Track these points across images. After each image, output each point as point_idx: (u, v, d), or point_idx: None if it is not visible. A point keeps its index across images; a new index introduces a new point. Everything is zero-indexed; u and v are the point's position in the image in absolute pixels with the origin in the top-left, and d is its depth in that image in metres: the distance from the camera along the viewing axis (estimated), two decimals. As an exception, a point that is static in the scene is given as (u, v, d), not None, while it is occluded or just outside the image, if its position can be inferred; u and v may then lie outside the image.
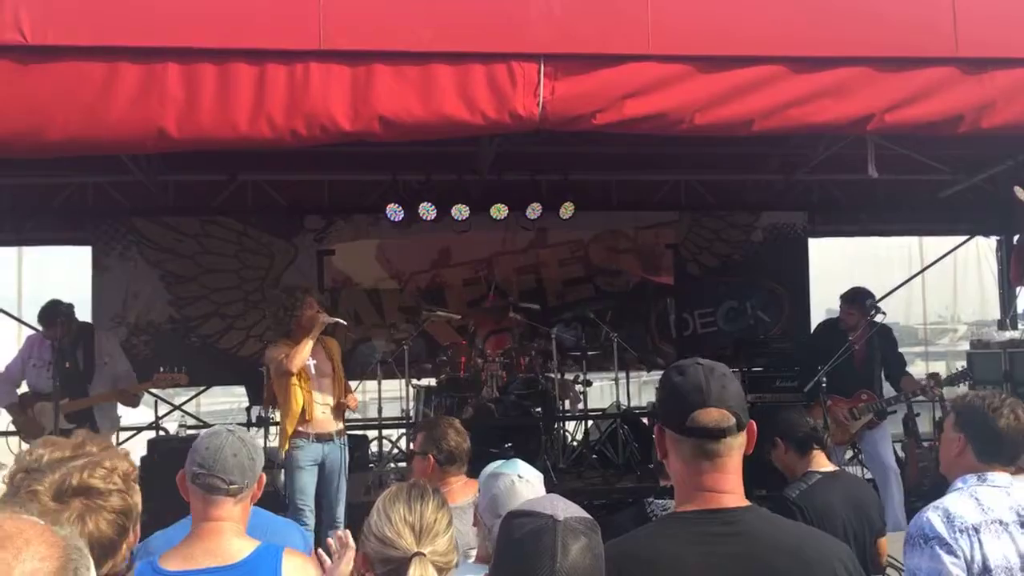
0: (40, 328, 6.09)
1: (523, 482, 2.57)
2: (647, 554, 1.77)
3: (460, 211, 8.16)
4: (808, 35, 4.23)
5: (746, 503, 1.83)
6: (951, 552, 2.40)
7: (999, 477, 2.56)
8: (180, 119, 3.77)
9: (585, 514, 1.61)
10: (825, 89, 4.21)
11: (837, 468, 3.94)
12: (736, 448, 1.82)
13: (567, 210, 8.22)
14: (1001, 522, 2.45)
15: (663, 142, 6.64)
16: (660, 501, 3.00)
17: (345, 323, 5.48)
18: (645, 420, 8.30)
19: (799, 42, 4.22)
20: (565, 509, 1.58)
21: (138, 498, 1.67)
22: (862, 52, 4.27)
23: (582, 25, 4.06)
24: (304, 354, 5.40)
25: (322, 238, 8.88)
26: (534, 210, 8.23)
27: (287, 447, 5.48)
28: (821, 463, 3.77)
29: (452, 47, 3.97)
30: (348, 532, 2.52)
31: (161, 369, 6.10)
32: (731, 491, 1.81)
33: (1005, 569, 2.40)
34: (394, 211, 8.04)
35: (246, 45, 3.84)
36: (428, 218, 8.12)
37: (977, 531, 2.42)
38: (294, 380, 5.43)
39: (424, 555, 1.89)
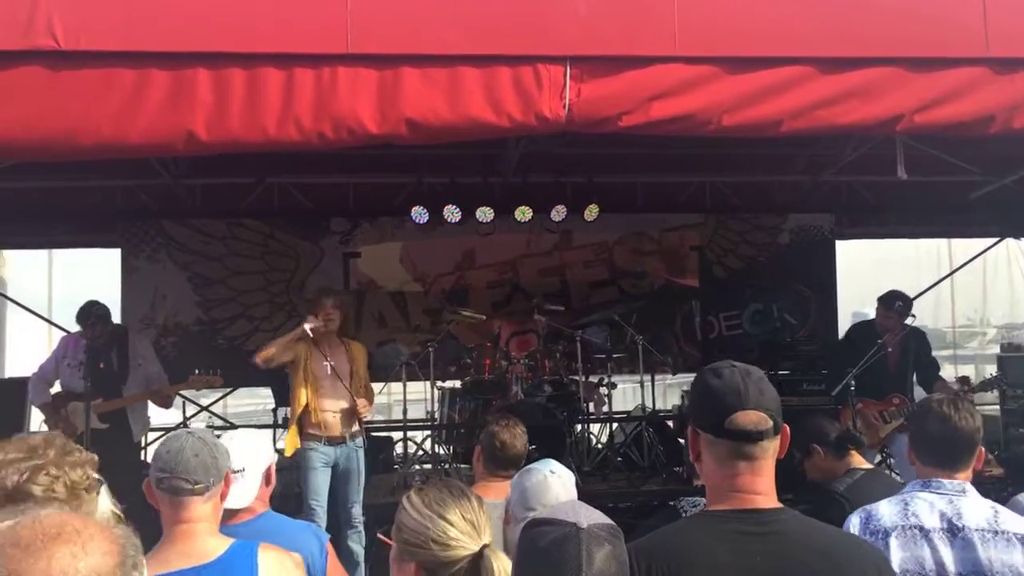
0: (77, 328, 6.17)
1: (555, 477, 2.58)
2: (678, 549, 1.76)
3: (484, 213, 8.17)
4: (837, 35, 4.19)
5: (779, 505, 1.83)
6: None
7: (950, 484, 2.46)
8: (209, 123, 3.81)
9: (608, 520, 1.59)
10: (854, 89, 4.17)
11: (874, 467, 3.92)
12: (771, 451, 1.82)
13: (592, 212, 8.20)
14: (921, 528, 2.37)
15: (688, 144, 6.63)
16: (690, 499, 3.00)
17: (310, 327, 5.44)
18: (670, 423, 8.27)
19: (828, 42, 4.18)
20: (588, 516, 1.56)
21: (90, 508, 1.64)
22: (891, 52, 4.23)
23: (608, 26, 4.06)
24: (268, 351, 5.45)
25: (347, 240, 8.92)
26: (559, 212, 8.22)
27: (298, 447, 5.48)
28: (860, 461, 3.77)
29: (479, 50, 3.98)
30: None
31: (197, 371, 6.15)
32: (765, 493, 1.81)
33: (917, 575, 2.33)
34: (419, 213, 8.07)
35: (274, 50, 3.87)
36: (453, 220, 8.14)
37: (888, 535, 2.37)
38: (301, 382, 5.45)
39: (489, 545, 1.89)
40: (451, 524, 1.88)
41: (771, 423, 1.79)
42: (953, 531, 2.36)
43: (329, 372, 5.44)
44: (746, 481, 1.80)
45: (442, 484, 2.03)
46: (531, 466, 2.66)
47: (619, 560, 1.54)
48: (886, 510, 2.44)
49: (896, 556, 2.34)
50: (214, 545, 2.33)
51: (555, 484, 2.54)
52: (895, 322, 6.25)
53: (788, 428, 1.85)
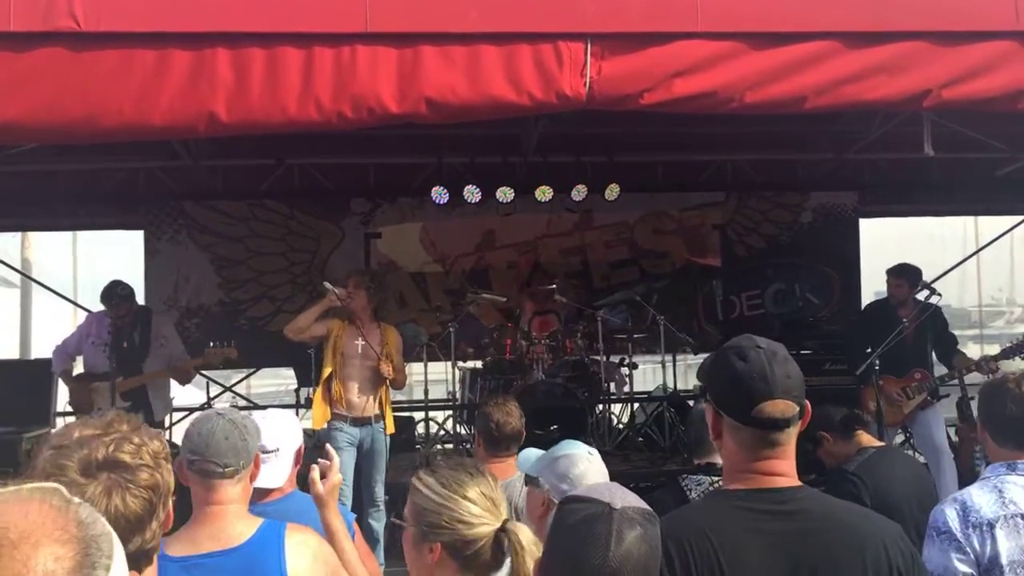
0: (102, 308, 6.25)
1: (592, 458, 2.55)
2: (700, 530, 1.74)
3: (505, 194, 8.14)
4: (863, 9, 4.12)
5: (799, 483, 1.82)
6: (959, 549, 2.34)
7: None
8: (230, 103, 3.80)
9: (644, 505, 1.58)
10: (880, 65, 4.10)
11: (884, 444, 3.91)
12: (795, 433, 1.80)
13: (612, 192, 8.15)
14: (1023, 516, 2.34)
15: (710, 121, 6.55)
16: (694, 477, 3.01)
17: (334, 291, 5.48)
18: (691, 403, 8.24)
19: (853, 17, 4.11)
20: (623, 498, 1.55)
21: (170, 478, 1.65)
22: (919, 26, 4.15)
23: (629, 3, 4.01)
24: (298, 322, 5.57)
25: (368, 221, 8.94)
26: (579, 192, 8.17)
27: (328, 418, 5.53)
28: (870, 440, 3.76)
29: (498, 28, 3.95)
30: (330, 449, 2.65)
31: (212, 344, 6.21)
32: (786, 473, 1.80)
33: (1023, 564, 2.30)
34: (439, 194, 8.05)
35: (294, 29, 3.86)
36: (473, 201, 8.11)
37: (992, 526, 2.33)
38: (330, 358, 5.50)
39: (511, 519, 1.91)
40: (473, 502, 1.90)
41: (797, 408, 1.77)
42: None
43: (360, 351, 5.47)
44: (769, 464, 1.78)
45: (454, 463, 2.04)
46: (567, 451, 2.60)
47: (650, 544, 1.52)
48: (981, 499, 2.40)
49: (1003, 547, 2.32)
50: (242, 528, 2.35)
51: (590, 468, 2.52)
52: (906, 291, 6.21)
53: (810, 405, 1.82)
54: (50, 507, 1.02)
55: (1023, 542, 2.32)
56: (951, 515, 2.40)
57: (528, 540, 1.84)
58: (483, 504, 1.91)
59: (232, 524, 2.35)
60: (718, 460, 3.00)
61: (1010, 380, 2.55)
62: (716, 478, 2.93)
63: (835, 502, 1.86)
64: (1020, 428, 2.48)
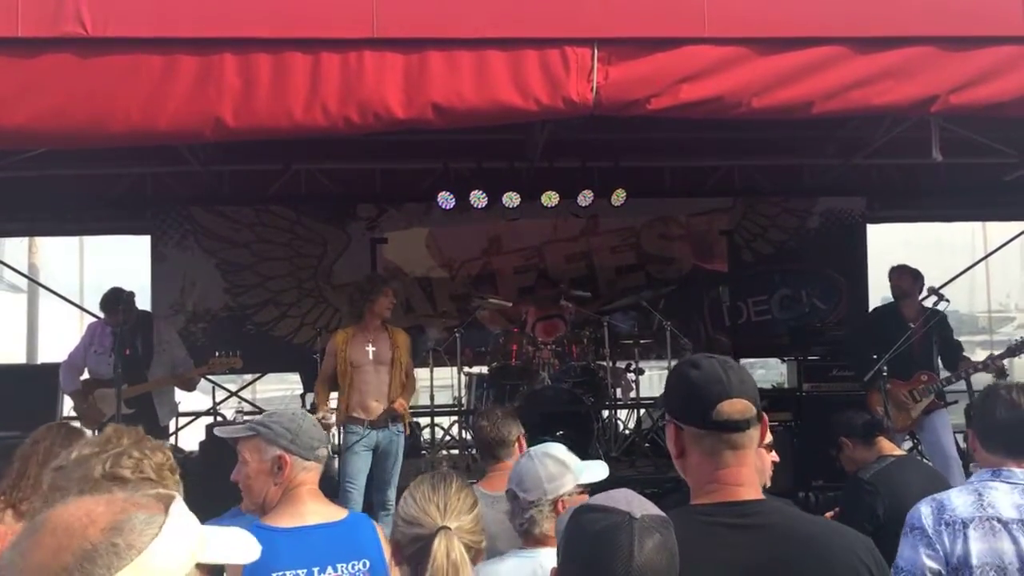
0: (101, 315, 6.24)
1: (541, 456, 2.58)
2: None
3: (511, 199, 8.14)
4: (870, 14, 4.10)
5: (761, 496, 1.81)
6: (929, 545, 2.34)
7: (1020, 472, 2.41)
8: (237, 108, 3.81)
9: (660, 511, 1.57)
10: (888, 69, 4.08)
11: (905, 453, 3.90)
12: (755, 440, 1.80)
13: (619, 197, 8.14)
14: (999, 519, 2.33)
15: (717, 127, 6.54)
16: None
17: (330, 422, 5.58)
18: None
19: (860, 21, 4.09)
20: (641, 506, 1.55)
21: (176, 488, 1.68)
22: (926, 31, 4.13)
23: (636, 8, 4.00)
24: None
25: (374, 226, 8.95)
26: (585, 197, 8.16)
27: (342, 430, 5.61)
28: (890, 448, 3.74)
29: (505, 33, 3.94)
30: None
31: (217, 354, 6.22)
32: (747, 484, 1.79)
33: (996, 567, 2.28)
34: (445, 199, 8.05)
35: (300, 35, 3.86)
36: (479, 206, 8.12)
37: (966, 526, 2.32)
38: (342, 369, 5.53)
39: (450, 529, 1.92)
40: (415, 503, 1.98)
41: (755, 410, 1.78)
42: None
43: (371, 357, 5.50)
44: (732, 473, 1.77)
45: (435, 472, 2.13)
46: (532, 448, 2.69)
47: (669, 551, 1.52)
48: (959, 500, 2.39)
49: (975, 547, 2.31)
50: (335, 507, 2.65)
51: (534, 464, 2.55)
52: (909, 283, 6.21)
53: (766, 416, 1.84)
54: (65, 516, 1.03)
55: (996, 544, 2.30)
56: (925, 512, 2.40)
57: (456, 552, 1.88)
58: (423, 506, 1.97)
59: (326, 502, 2.62)
60: None
61: (1002, 387, 2.54)
62: None
63: (800, 515, 1.84)
64: (1009, 435, 2.47)
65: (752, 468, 1.80)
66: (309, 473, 2.57)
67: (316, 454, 2.58)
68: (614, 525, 1.50)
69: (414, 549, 1.93)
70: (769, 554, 1.70)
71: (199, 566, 1.08)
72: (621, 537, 1.48)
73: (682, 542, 1.65)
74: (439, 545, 1.88)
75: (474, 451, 7.46)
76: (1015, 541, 2.30)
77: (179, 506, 1.07)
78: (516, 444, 3.57)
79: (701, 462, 1.80)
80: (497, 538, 2.64)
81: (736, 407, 1.75)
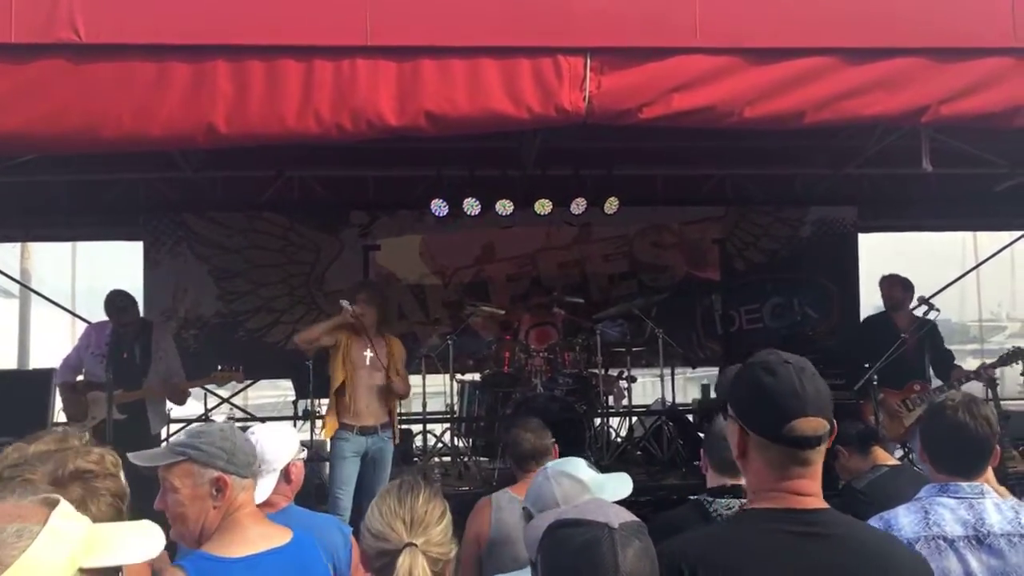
0: (101, 318, 6.26)
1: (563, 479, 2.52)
2: (730, 551, 1.70)
3: (504, 206, 8.14)
4: (861, 25, 4.13)
5: (826, 505, 1.77)
6: None
7: (968, 486, 2.38)
8: (229, 115, 3.81)
9: (633, 517, 1.58)
10: (879, 80, 4.11)
11: (900, 462, 3.90)
12: (823, 453, 1.76)
13: (611, 205, 8.15)
14: (945, 538, 2.29)
15: (709, 136, 6.57)
16: (723, 500, 2.87)
17: (349, 309, 5.50)
18: (690, 417, 8.23)
19: (851, 33, 4.12)
20: (616, 514, 1.55)
21: (126, 486, 1.70)
22: (917, 42, 4.16)
23: (629, 18, 4.02)
24: (310, 332, 5.61)
25: (367, 233, 8.94)
26: (578, 205, 8.16)
27: (331, 435, 5.57)
28: (885, 458, 3.76)
29: (498, 41, 3.96)
30: None
31: (219, 367, 6.20)
32: (814, 494, 1.75)
33: None
34: (438, 206, 8.05)
35: (294, 42, 3.87)
36: (472, 213, 8.11)
37: (910, 545, 2.26)
38: (340, 368, 5.52)
39: (415, 545, 1.89)
40: (380, 517, 1.93)
41: (828, 426, 1.72)
42: (979, 539, 2.29)
43: (368, 363, 5.50)
44: (797, 484, 1.73)
45: (402, 480, 2.05)
46: (547, 466, 2.61)
47: (650, 556, 1.52)
48: (906, 519, 2.36)
49: None
50: (278, 530, 2.45)
51: (550, 484, 2.48)
52: (900, 293, 6.24)
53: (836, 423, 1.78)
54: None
55: (942, 564, 2.26)
56: None
57: (418, 572, 1.84)
58: (389, 521, 1.92)
59: (269, 524, 2.44)
60: (743, 481, 2.95)
61: (948, 406, 2.49)
62: (743, 500, 2.87)
63: (861, 526, 1.82)
64: (955, 455, 2.44)
65: (819, 479, 1.75)
66: (247, 492, 2.40)
67: (252, 470, 2.44)
68: (594, 539, 1.50)
69: (380, 564, 1.91)
70: (835, 564, 1.67)
71: (86, 571, 1.04)
72: (603, 549, 1.48)
73: (750, 547, 1.65)
74: (403, 563, 1.85)
75: (465, 459, 7.47)
76: (961, 559, 2.27)
77: (62, 511, 1.05)
78: (553, 451, 3.57)
79: (765, 470, 1.75)
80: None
81: (810, 425, 1.70)
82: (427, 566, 1.87)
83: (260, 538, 2.35)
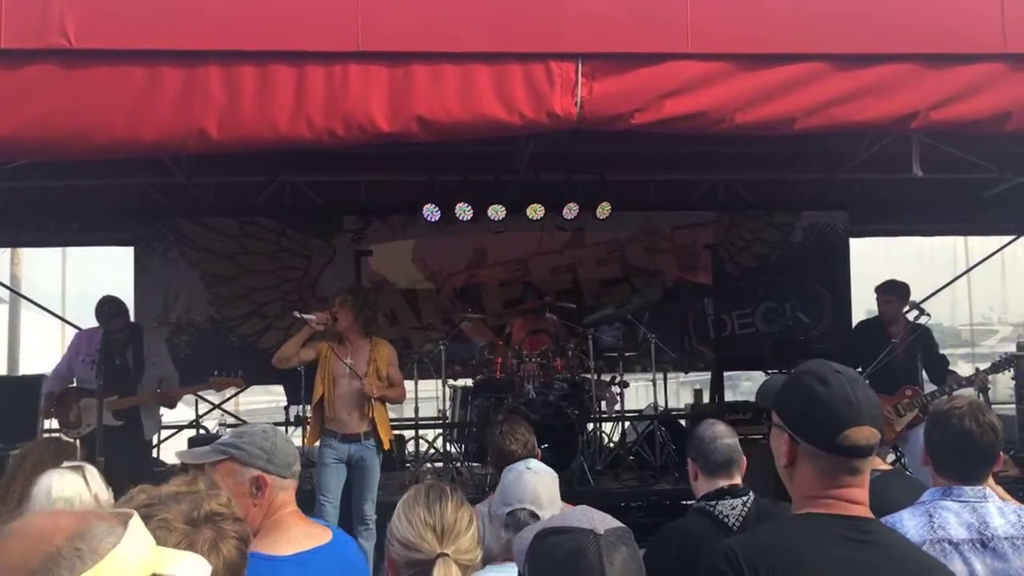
0: (91, 324, 6.23)
1: (531, 473, 2.58)
2: (792, 550, 1.71)
3: (496, 211, 8.15)
4: (851, 32, 4.15)
5: (871, 515, 1.78)
6: None
7: (971, 490, 2.40)
8: (221, 120, 3.80)
9: (618, 523, 1.58)
10: (869, 86, 4.12)
11: (892, 467, 3.89)
12: (872, 461, 1.77)
13: (604, 210, 8.17)
14: (950, 542, 2.31)
15: (701, 141, 6.58)
16: (726, 502, 2.86)
17: (312, 319, 5.49)
18: (683, 422, 8.23)
19: (842, 39, 4.14)
20: (602, 521, 1.55)
21: (248, 528, 1.72)
22: (907, 48, 4.18)
23: (620, 24, 4.03)
24: (284, 352, 5.58)
25: (359, 238, 8.93)
26: (571, 210, 8.18)
27: (315, 443, 5.58)
28: (878, 463, 3.75)
29: (490, 47, 3.96)
30: None
31: (216, 373, 6.17)
32: (864, 502, 1.76)
33: None
34: (431, 211, 8.05)
35: (286, 47, 3.87)
36: (464, 218, 8.12)
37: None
38: (320, 379, 5.51)
39: (448, 555, 1.88)
40: (411, 526, 1.92)
41: (880, 435, 1.74)
42: (983, 542, 2.30)
43: (347, 371, 5.46)
44: (847, 492, 1.74)
45: (428, 486, 2.05)
46: (513, 464, 2.69)
47: (637, 562, 1.53)
48: (910, 523, 2.37)
49: None
50: (320, 528, 2.54)
51: (531, 480, 2.55)
52: (896, 307, 6.25)
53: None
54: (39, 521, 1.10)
55: (951, 567, 2.24)
56: None
57: None
58: (420, 531, 1.91)
59: (311, 523, 2.53)
60: (738, 480, 2.96)
61: (954, 413, 2.50)
62: (745, 498, 2.88)
63: (901, 535, 1.85)
64: (960, 462, 2.45)
65: (867, 488, 1.77)
66: (288, 492, 2.48)
67: (292, 471, 2.51)
68: (580, 547, 1.50)
69: (412, 572, 1.90)
70: (886, 571, 1.68)
71: None
72: (589, 557, 1.48)
73: (810, 549, 1.65)
74: (442, 571, 1.85)
75: (458, 464, 7.46)
76: (966, 562, 2.28)
77: (137, 522, 1.12)
78: (537, 456, 3.56)
79: (816, 479, 1.76)
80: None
81: (864, 434, 1.70)
82: (459, 574, 1.87)
83: (305, 536, 2.43)
